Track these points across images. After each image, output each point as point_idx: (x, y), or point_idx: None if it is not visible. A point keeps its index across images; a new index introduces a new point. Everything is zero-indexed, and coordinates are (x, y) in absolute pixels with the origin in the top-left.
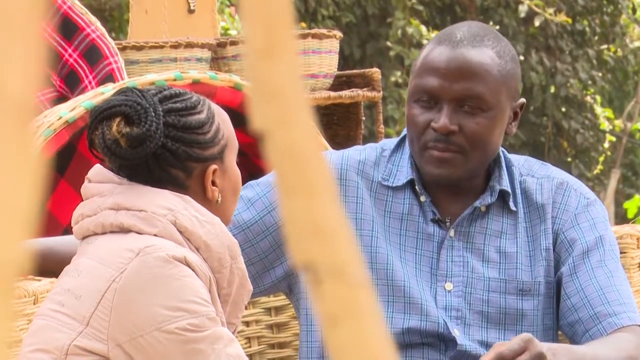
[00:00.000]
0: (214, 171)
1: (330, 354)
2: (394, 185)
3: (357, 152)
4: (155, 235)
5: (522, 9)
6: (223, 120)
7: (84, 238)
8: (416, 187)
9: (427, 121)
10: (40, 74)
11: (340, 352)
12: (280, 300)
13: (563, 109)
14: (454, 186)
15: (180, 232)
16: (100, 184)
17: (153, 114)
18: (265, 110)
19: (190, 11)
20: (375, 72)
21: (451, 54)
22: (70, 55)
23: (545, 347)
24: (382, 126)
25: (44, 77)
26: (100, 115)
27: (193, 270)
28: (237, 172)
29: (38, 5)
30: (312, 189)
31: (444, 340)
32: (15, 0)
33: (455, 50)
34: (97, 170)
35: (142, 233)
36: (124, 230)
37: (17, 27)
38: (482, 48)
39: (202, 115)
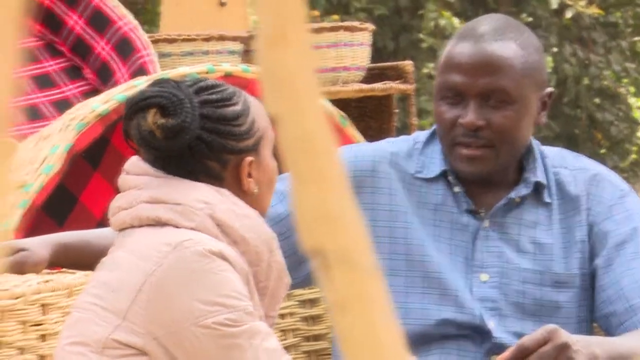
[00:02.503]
0: (250, 163)
1: (338, 339)
2: (427, 177)
3: (389, 144)
4: (192, 229)
5: (554, 1)
6: (259, 113)
7: (120, 230)
8: (449, 178)
9: (455, 118)
10: (15, 83)
11: (348, 337)
12: (315, 292)
13: (597, 101)
14: (486, 179)
15: (218, 226)
16: (137, 177)
17: (189, 105)
18: (277, 97)
19: (222, 4)
20: (408, 64)
21: (473, 49)
22: (102, 49)
23: (578, 339)
24: (414, 118)
25: (17, 86)
26: (136, 106)
27: (230, 264)
28: (272, 164)
29: (16, 13)
30: (322, 175)
31: (479, 332)
32: None
33: (477, 45)
34: (134, 162)
35: (179, 227)
36: (161, 223)
37: None
38: (505, 41)
39: (238, 107)
